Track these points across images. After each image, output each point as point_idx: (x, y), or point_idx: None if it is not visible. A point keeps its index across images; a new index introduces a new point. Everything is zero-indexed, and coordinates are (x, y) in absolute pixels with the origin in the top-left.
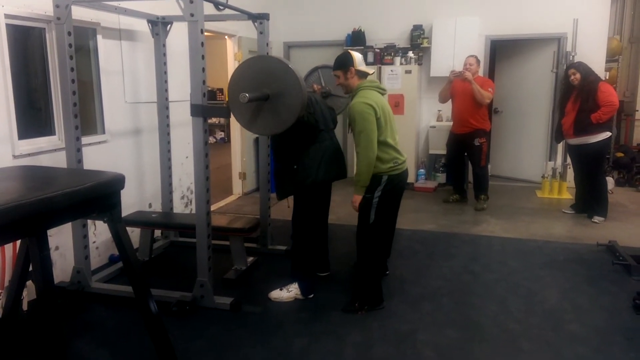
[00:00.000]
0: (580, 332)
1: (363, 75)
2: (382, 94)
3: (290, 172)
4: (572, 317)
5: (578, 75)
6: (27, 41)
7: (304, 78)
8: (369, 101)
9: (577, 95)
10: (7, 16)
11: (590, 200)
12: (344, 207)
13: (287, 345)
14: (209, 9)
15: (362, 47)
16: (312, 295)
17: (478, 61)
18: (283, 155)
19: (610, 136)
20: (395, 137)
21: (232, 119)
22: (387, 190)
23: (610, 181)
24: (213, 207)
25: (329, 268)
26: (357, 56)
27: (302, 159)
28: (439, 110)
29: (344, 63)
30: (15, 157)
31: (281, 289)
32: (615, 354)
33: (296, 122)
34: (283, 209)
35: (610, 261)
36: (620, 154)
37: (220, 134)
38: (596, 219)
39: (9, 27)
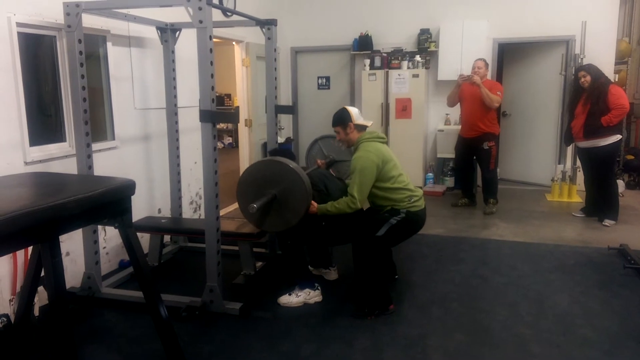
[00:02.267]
0: (592, 336)
1: (362, 128)
2: (383, 142)
3: (319, 227)
4: (583, 321)
5: (588, 78)
6: (38, 49)
7: (307, 153)
8: (372, 155)
9: (587, 98)
10: (18, 24)
11: (600, 203)
12: None
13: (296, 350)
14: (217, 15)
15: (369, 52)
16: (319, 296)
17: (486, 64)
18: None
19: (621, 139)
20: (404, 179)
21: (240, 124)
22: (405, 220)
23: (620, 184)
24: (221, 212)
25: (333, 263)
26: (353, 111)
27: (329, 220)
28: (447, 114)
29: (342, 119)
30: (26, 163)
31: (290, 294)
32: (627, 358)
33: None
34: None
35: (622, 265)
36: (630, 157)
37: (228, 139)
38: (607, 222)
39: (20, 35)
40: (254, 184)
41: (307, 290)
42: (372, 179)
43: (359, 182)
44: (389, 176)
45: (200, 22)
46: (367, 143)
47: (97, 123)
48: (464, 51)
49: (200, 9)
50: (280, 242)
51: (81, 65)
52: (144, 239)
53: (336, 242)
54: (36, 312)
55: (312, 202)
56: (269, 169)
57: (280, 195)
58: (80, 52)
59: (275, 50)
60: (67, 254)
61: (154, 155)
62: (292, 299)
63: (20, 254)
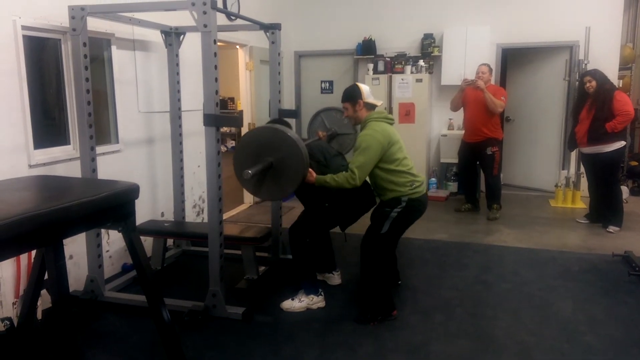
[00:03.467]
0: (596, 344)
1: (371, 107)
2: (391, 124)
3: (323, 210)
4: (587, 328)
5: (594, 83)
6: (42, 52)
7: (309, 125)
8: (378, 135)
9: (591, 103)
10: (24, 28)
11: (604, 209)
12: None
13: (298, 355)
14: (221, 19)
15: (373, 56)
16: (323, 302)
17: (490, 70)
18: (310, 199)
19: (625, 145)
20: (408, 162)
21: (244, 128)
22: (406, 209)
23: (624, 190)
24: (224, 216)
25: (336, 267)
26: (364, 88)
27: (332, 196)
28: (450, 119)
29: (352, 96)
30: (31, 166)
31: (293, 299)
32: None
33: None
34: (294, 218)
35: (626, 272)
36: (634, 163)
37: (231, 143)
38: (611, 228)
39: (25, 38)
40: (251, 150)
41: (310, 295)
42: (375, 159)
43: (362, 159)
44: (394, 158)
45: (205, 26)
46: (374, 122)
47: (101, 126)
48: (468, 56)
49: (204, 13)
50: (292, 243)
51: (86, 68)
52: (147, 242)
53: (341, 222)
54: (39, 315)
55: (311, 171)
56: (267, 136)
57: (276, 163)
58: (85, 56)
59: (279, 54)
60: (71, 257)
61: (157, 159)
62: (295, 304)
63: (23, 256)
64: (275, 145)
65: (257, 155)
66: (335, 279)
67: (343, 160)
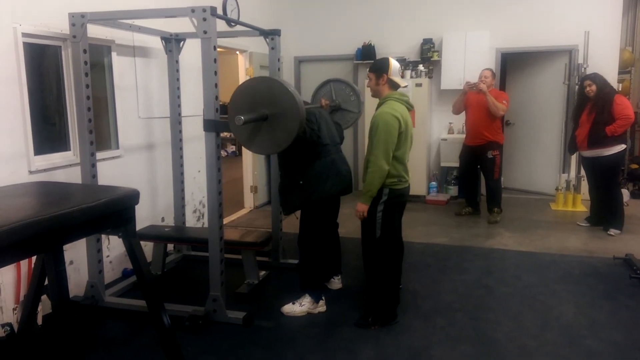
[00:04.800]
0: (598, 347)
1: (394, 86)
2: (409, 110)
3: (296, 187)
4: (589, 332)
5: (594, 87)
6: (43, 59)
7: (316, 91)
8: (397, 114)
9: (592, 107)
10: (24, 35)
11: (605, 212)
12: (353, 221)
13: None
14: (221, 25)
15: (372, 61)
16: (323, 306)
17: (493, 74)
18: (289, 170)
19: (625, 148)
20: (406, 157)
21: None
22: (389, 204)
23: (625, 193)
24: (225, 221)
25: (340, 270)
26: (394, 65)
27: (307, 173)
28: (450, 123)
29: (378, 67)
30: (31, 172)
31: (293, 303)
32: None
33: (299, 139)
34: (295, 223)
35: (627, 275)
36: (634, 166)
37: (231, 148)
38: (612, 231)
39: (26, 45)
40: (248, 99)
41: (312, 300)
42: (396, 137)
43: (386, 139)
44: (399, 146)
45: (205, 32)
46: (394, 102)
47: (101, 132)
48: (467, 61)
49: (204, 19)
50: (301, 244)
51: (86, 75)
52: (147, 247)
53: (309, 197)
54: (39, 321)
55: (361, 204)
56: (266, 86)
57: (272, 116)
58: (85, 62)
59: (278, 59)
60: (71, 262)
61: (157, 164)
62: (296, 308)
63: (23, 262)
64: (273, 98)
65: (253, 105)
66: (336, 283)
67: (338, 135)
